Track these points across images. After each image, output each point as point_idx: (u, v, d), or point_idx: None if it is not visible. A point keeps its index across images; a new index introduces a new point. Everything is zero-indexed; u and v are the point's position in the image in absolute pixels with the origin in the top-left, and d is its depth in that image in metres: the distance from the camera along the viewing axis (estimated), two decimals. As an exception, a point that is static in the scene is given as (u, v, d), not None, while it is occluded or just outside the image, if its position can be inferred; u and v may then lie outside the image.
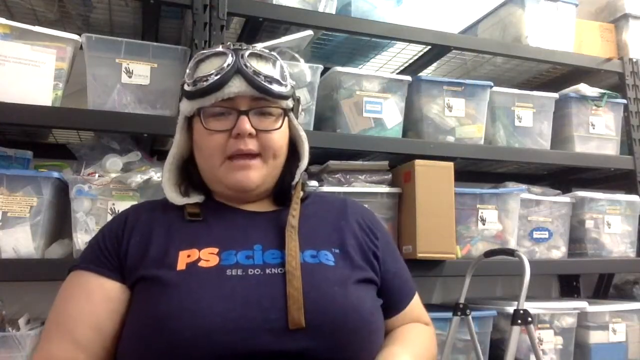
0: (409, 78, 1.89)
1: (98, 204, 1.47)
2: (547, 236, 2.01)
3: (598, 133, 2.17)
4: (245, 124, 0.91)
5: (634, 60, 2.24)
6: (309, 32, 1.73)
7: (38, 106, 1.44)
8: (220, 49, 0.96)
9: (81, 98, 1.56)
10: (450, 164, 1.76)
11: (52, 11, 1.70)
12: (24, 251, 1.39)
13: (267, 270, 0.86)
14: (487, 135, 2.01)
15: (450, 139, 1.92)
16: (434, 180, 1.72)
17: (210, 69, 0.93)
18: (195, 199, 0.99)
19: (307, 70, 1.72)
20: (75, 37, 1.52)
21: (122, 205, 1.45)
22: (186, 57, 1.60)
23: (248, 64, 0.93)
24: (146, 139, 1.67)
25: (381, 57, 2.13)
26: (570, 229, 2.07)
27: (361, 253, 0.96)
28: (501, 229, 1.90)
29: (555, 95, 2.12)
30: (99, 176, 1.49)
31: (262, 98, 0.94)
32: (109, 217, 1.44)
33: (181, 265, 0.86)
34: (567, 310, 1.90)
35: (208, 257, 0.87)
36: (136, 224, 0.94)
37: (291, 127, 1.02)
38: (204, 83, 0.92)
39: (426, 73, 2.23)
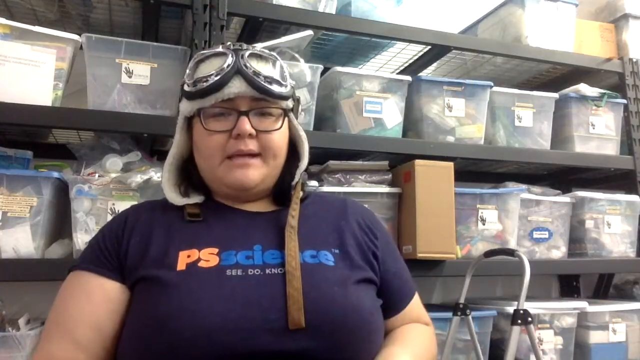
0: (409, 78, 1.89)
1: (98, 204, 1.47)
2: (547, 236, 2.01)
3: (598, 133, 2.17)
4: (246, 125, 0.91)
5: (634, 60, 2.24)
6: (309, 32, 1.73)
7: (38, 106, 1.44)
8: (220, 49, 0.96)
9: (81, 98, 1.56)
10: (450, 164, 1.76)
11: (52, 11, 1.70)
12: (24, 251, 1.39)
13: (267, 271, 0.86)
14: (487, 135, 2.01)
15: (450, 139, 1.92)
16: (434, 180, 1.72)
17: (210, 69, 0.93)
18: (195, 199, 0.99)
19: (307, 70, 1.72)
20: (75, 37, 1.52)
21: (122, 205, 1.45)
22: (186, 57, 1.60)
23: (248, 65, 0.93)
24: (146, 139, 1.67)
25: (381, 57, 2.13)
26: (570, 229, 2.07)
27: (361, 253, 0.96)
28: (501, 229, 1.90)
29: (555, 95, 2.12)
30: (99, 176, 1.49)
31: (262, 98, 0.94)
32: (109, 217, 1.45)
33: (181, 265, 0.86)
34: (567, 310, 1.90)
35: (208, 257, 0.87)
36: (136, 224, 0.94)
37: (291, 127, 1.02)
38: (204, 84, 0.92)
39: (426, 73, 2.23)
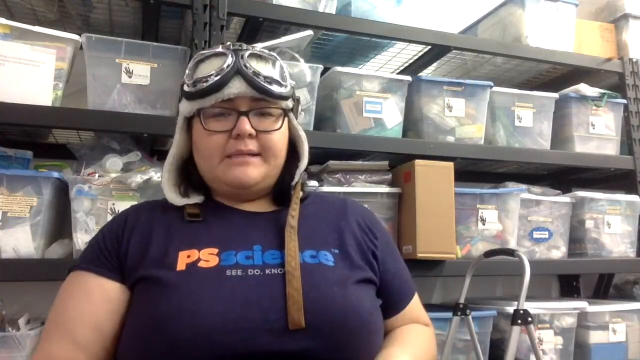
0: (409, 78, 1.89)
1: (98, 204, 1.47)
2: (547, 236, 2.01)
3: (598, 133, 2.17)
4: (245, 125, 0.91)
5: (634, 60, 2.24)
6: (309, 32, 1.73)
7: (38, 106, 1.44)
8: (219, 49, 0.96)
9: (81, 98, 1.56)
10: (450, 164, 1.76)
11: (52, 11, 1.70)
12: (24, 251, 1.39)
13: (267, 271, 0.86)
14: (487, 135, 2.01)
15: (450, 139, 1.92)
16: (434, 180, 1.72)
17: (210, 69, 0.93)
18: (195, 199, 0.99)
19: (307, 70, 1.72)
20: (75, 37, 1.52)
21: (122, 205, 1.45)
22: (186, 57, 1.60)
23: (248, 65, 0.93)
24: (146, 139, 1.67)
25: (381, 57, 2.13)
26: (570, 229, 2.07)
27: (361, 253, 0.96)
28: (501, 229, 1.90)
29: (555, 95, 2.12)
30: (99, 176, 1.49)
31: (262, 99, 0.94)
32: (109, 217, 1.45)
33: (181, 265, 0.86)
34: (567, 310, 1.90)
35: (208, 257, 0.87)
36: (136, 224, 0.94)
37: (291, 128, 1.02)
38: (204, 84, 0.92)
39: (426, 73, 2.23)
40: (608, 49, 2.28)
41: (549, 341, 1.86)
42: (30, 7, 1.69)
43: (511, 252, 1.54)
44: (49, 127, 1.58)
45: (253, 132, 0.92)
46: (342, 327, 0.83)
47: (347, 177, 1.77)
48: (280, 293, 0.83)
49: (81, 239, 1.44)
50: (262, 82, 0.93)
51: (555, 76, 2.37)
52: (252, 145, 0.93)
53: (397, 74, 2.17)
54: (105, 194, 1.48)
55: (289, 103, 0.99)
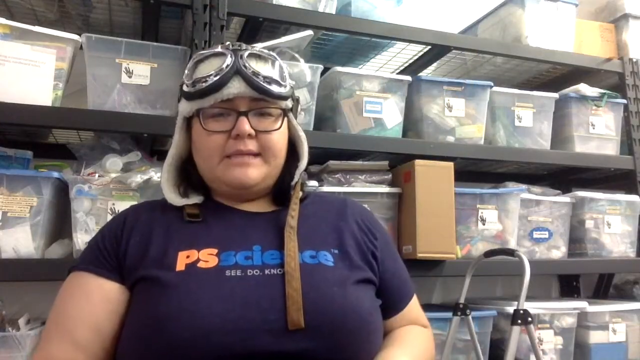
0: (409, 78, 1.89)
1: (98, 204, 1.47)
2: (547, 236, 2.01)
3: (598, 133, 2.17)
4: (245, 125, 0.91)
5: (634, 60, 2.24)
6: (309, 32, 1.72)
7: (38, 106, 1.44)
8: (219, 49, 0.96)
9: (81, 98, 1.56)
10: (450, 164, 1.76)
11: (52, 11, 1.71)
12: (24, 251, 1.40)
13: (266, 271, 0.86)
14: (487, 135, 2.01)
15: (450, 139, 1.92)
16: (434, 180, 1.72)
17: (209, 69, 0.93)
18: (195, 199, 0.99)
19: (307, 70, 1.72)
20: (75, 37, 1.52)
21: (122, 205, 1.45)
22: (186, 57, 1.60)
23: (247, 65, 0.93)
24: (146, 139, 1.67)
25: (381, 57, 2.13)
26: (570, 229, 2.07)
27: (360, 253, 0.96)
28: (501, 229, 1.90)
29: (555, 95, 2.12)
30: (99, 176, 1.49)
31: (262, 99, 0.94)
32: (109, 217, 1.45)
33: (180, 266, 0.86)
34: (567, 310, 1.90)
35: (207, 257, 0.87)
36: (135, 224, 0.94)
37: (290, 128, 1.02)
38: (203, 84, 0.92)
39: (426, 73, 2.23)
40: (608, 49, 2.28)
41: (549, 341, 1.86)
42: (30, 7, 1.69)
43: (511, 252, 1.54)
44: (49, 127, 1.59)
45: (252, 132, 0.92)
46: (341, 327, 0.83)
47: (347, 177, 1.77)
48: (280, 293, 0.83)
49: (81, 239, 1.44)
50: (261, 82, 0.93)
51: (555, 76, 2.37)
52: (251, 145, 0.93)
53: (397, 74, 2.17)
54: (105, 194, 1.48)
55: (289, 103, 0.99)
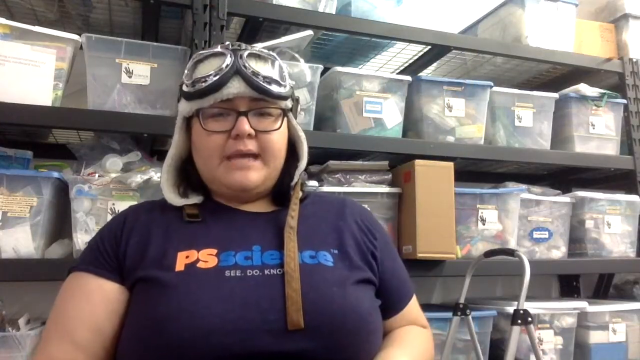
0: (409, 78, 1.89)
1: (98, 204, 1.47)
2: (547, 236, 2.01)
3: (598, 133, 2.17)
4: (245, 125, 0.91)
5: (634, 60, 2.24)
6: (309, 32, 1.73)
7: (38, 106, 1.44)
8: (218, 49, 0.96)
9: (81, 98, 1.56)
10: (450, 164, 1.76)
11: (52, 11, 1.71)
12: (24, 251, 1.40)
13: (266, 271, 0.86)
14: (487, 135, 2.01)
15: (450, 139, 1.92)
16: (434, 180, 1.72)
17: (209, 69, 0.93)
18: (194, 199, 0.99)
19: (307, 70, 1.72)
20: (75, 37, 1.52)
21: (122, 205, 1.45)
22: (186, 57, 1.60)
23: (247, 65, 0.93)
24: (146, 139, 1.67)
25: (381, 57, 2.13)
26: (570, 229, 2.07)
27: (360, 253, 0.96)
28: (501, 229, 1.90)
29: (555, 95, 2.12)
30: (99, 176, 1.49)
31: (261, 99, 0.94)
32: (109, 217, 1.45)
33: (180, 266, 0.86)
34: (567, 310, 1.90)
35: (207, 258, 0.87)
36: (135, 224, 0.94)
37: (290, 128, 1.02)
38: (203, 84, 0.92)
39: (426, 73, 2.23)
40: (608, 49, 2.28)
41: (549, 341, 1.86)
42: (30, 7, 1.69)
43: (511, 252, 1.54)
44: (49, 127, 1.59)
45: (252, 132, 0.92)
46: (341, 327, 0.83)
47: (347, 177, 1.77)
48: (279, 294, 0.83)
49: (81, 239, 1.44)
50: (261, 82, 0.93)
51: (555, 76, 2.37)
52: (251, 146, 0.92)
53: (397, 74, 2.17)
54: (105, 194, 1.48)
55: (288, 103, 0.99)
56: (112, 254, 0.91)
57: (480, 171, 2.36)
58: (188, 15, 1.67)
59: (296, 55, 1.71)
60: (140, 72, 1.57)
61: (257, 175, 0.94)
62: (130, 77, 1.56)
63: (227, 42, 1.00)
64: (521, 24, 2.11)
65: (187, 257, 0.87)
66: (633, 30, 2.29)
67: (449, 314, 1.69)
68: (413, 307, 1.04)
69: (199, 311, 0.80)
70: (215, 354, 0.78)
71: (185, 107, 0.96)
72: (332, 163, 1.75)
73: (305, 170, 1.06)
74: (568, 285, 2.46)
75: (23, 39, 1.45)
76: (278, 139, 0.96)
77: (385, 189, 1.77)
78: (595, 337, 1.93)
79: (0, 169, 1.44)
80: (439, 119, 1.92)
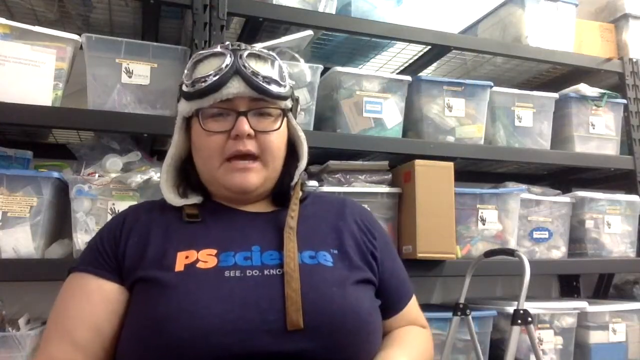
0: (409, 78, 1.89)
1: (98, 204, 1.47)
2: (547, 236, 2.01)
3: (598, 133, 2.17)
4: (244, 125, 0.91)
5: (634, 60, 2.24)
6: (309, 32, 1.72)
7: (38, 106, 1.44)
8: (218, 49, 0.96)
9: (81, 98, 1.56)
10: (450, 164, 1.76)
11: (52, 11, 1.71)
12: (24, 251, 1.40)
13: (266, 272, 0.86)
14: (487, 135, 2.01)
15: (450, 139, 1.92)
16: (434, 180, 1.72)
17: (208, 69, 0.93)
18: (194, 200, 0.99)
19: (307, 70, 1.72)
20: (75, 37, 1.52)
21: (122, 205, 1.45)
22: (186, 57, 1.60)
23: (247, 65, 0.93)
24: (146, 139, 1.67)
25: (381, 57, 2.13)
26: (570, 229, 2.07)
27: (359, 254, 0.96)
28: (501, 229, 1.90)
29: (555, 95, 2.12)
30: (99, 176, 1.49)
31: (261, 99, 0.94)
32: (109, 217, 1.45)
33: (179, 266, 0.86)
34: (567, 310, 1.90)
35: (206, 258, 0.87)
36: (135, 224, 0.94)
37: (290, 128, 1.02)
38: (202, 84, 0.92)
39: (426, 73, 2.23)
40: (608, 49, 2.28)
41: (549, 341, 1.86)
42: (30, 7, 1.69)
43: (511, 252, 1.54)
44: (49, 127, 1.59)
45: (252, 132, 0.92)
46: (341, 327, 0.83)
47: (347, 177, 1.77)
48: (279, 294, 0.83)
49: (81, 239, 1.44)
50: (260, 82, 0.93)
51: (555, 76, 2.37)
52: (250, 146, 0.92)
53: (397, 74, 2.17)
54: (105, 194, 1.48)
55: (288, 103, 0.99)
56: (111, 254, 0.91)
57: (480, 171, 2.36)
58: (188, 15, 1.67)
59: (296, 55, 1.71)
60: (140, 72, 1.57)
61: (256, 177, 0.94)
62: (130, 77, 1.56)
63: (227, 42, 1.00)
64: (521, 24, 2.11)
65: (186, 257, 0.87)
66: (633, 30, 2.29)
67: (449, 314, 1.69)
68: (413, 307, 1.04)
69: (198, 311, 0.80)
70: (215, 354, 0.78)
71: (185, 107, 0.96)
72: (332, 163, 1.75)
73: (305, 170, 1.06)
74: (568, 285, 2.46)
75: (23, 39, 1.45)
76: (278, 139, 0.96)
77: (385, 189, 1.77)
78: (595, 337, 1.93)
79: (0, 169, 1.44)
80: (439, 119, 1.92)
